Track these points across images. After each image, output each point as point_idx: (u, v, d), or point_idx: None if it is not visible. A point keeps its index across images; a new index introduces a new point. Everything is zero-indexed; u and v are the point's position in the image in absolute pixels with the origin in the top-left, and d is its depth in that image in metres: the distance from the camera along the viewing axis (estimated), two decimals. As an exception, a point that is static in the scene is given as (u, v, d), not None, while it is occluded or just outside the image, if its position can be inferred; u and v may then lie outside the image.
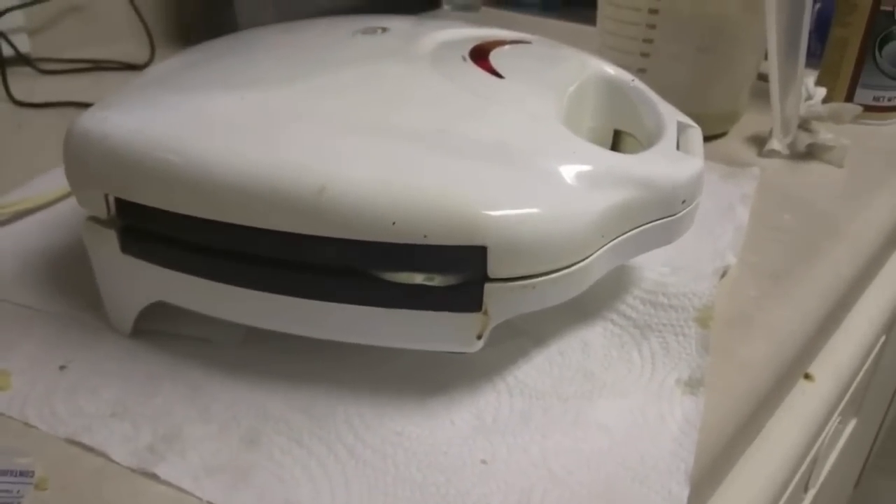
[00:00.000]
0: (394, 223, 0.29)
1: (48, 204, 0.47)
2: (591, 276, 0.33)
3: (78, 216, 0.35)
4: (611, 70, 0.42)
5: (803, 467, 0.50)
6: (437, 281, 0.31)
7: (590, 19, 0.64)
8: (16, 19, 0.68)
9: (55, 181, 0.48)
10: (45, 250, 0.42)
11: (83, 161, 0.33)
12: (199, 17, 0.80)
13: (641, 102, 0.41)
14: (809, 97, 0.60)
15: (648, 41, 0.56)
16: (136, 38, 0.75)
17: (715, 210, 0.49)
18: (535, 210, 0.30)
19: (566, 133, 0.34)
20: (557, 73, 0.39)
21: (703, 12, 0.54)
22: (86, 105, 0.61)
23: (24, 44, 0.69)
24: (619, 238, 0.33)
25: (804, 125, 0.59)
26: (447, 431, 0.32)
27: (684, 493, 0.30)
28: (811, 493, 0.60)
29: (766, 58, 0.55)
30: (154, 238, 0.33)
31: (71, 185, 0.34)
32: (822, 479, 0.63)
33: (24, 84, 0.65)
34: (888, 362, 0.76)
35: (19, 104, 0.63)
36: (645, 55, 0.57)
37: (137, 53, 0.73)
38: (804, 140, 0.58)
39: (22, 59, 0.69)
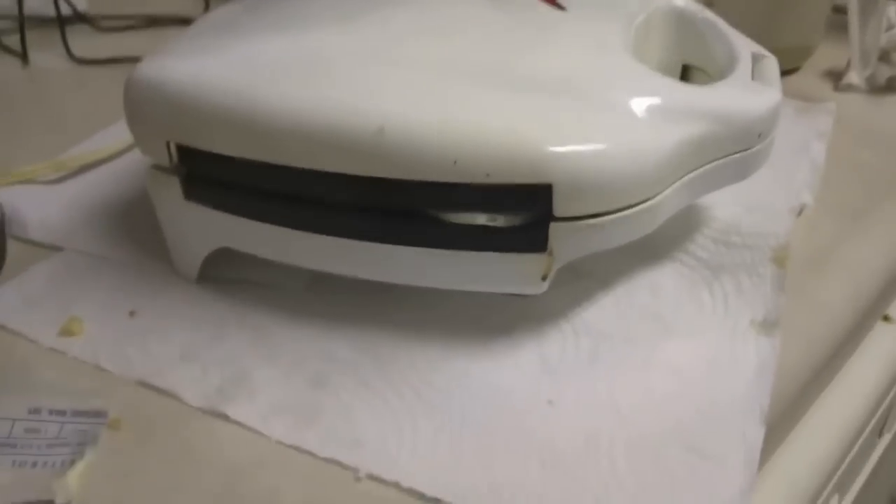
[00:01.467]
0: (455, 162, 0.28)
1: (112, 157, 0.47)
2: (661, 214, 0.31)
3: (142, 167, 0.35)
4: (679, 1, 0.40)
5: (879, 412, 0.48)
6: (501, 221, 0.30)
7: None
8: (74, -23, 0.68)
9: (118, 134, 0.48)
10: (112, 201, 0.43)
11: (143, 109, 0.33)
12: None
13: (712, 34, 0.39)
14: (891, 27, 0.57)
15: (717, -28, 0.53)
16: (191, -8, 0.75)
17: (789, 147, 0.46)
18: (602, 146, 0.29)
19: (634, 65, 0.32)
20: (623, 4, 0.38)
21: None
22: (144, 59, 0.61)
23: (81, 2, 0.70)
24: (691, 174, 0.32)
25: (884, 57, 0.56)
26: (513, 373, 0.31)
27: (760, 435, 0.29)
28: (886, 437, 0.58)
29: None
30: (216, 184, 0.33)
31: (133, 133, 0.34)
32: (898, 426, 0.61)
33: (83, 42, 0.66)
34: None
35: (79, 61, 0.63)
36: (713, -13, 0.54)
37: (193, 7, 0.73)
38: (884, 73, 0.55)
39: (79, 17, 0.69)
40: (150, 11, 0.72)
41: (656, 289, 0.36)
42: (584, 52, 0.33)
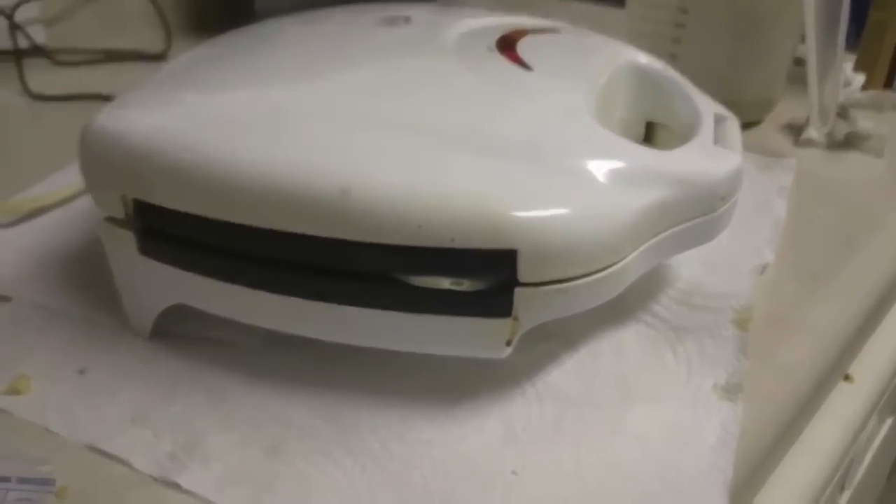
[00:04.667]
0: (420, 226, 0.28)
1: (65, 201, 0.46)
2: (625, 279, 0.31)
3: (96, 213, 0.34)
4: (643, 59, 0.41)
5: (842, 468, 0.48)
6: (466, 285, 0.29)
7: (618, 1, 0.62)
8: (31, 10, 0.67)
9: (72, 177, 0.47)
10: (63, 249, 0.42)
11: (100, 161, 0.32)
12: (215, 4, 0.78)
13: (675, 93, 0.39)
14: (848, 84, 0.58)
15: (680, 26, 0.54)
16: (151, 27, 0.74)
17: (752, 204, 0.47)
18: (566, 211, 0.29)
19: (598, 129, 0.32)
20: (587, 64, 0.38)
21: (738, -2, 0.52)
22: (102, 97, 0.60)
23: (39, 35, 0.68)
24: (655, 238, 0.32)
25: (842, 113, 0.57)
26: (476, 440, 0.31)
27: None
28: (847, 493, 0.59)
29: (803, 41, 0.53)
30: (173, 240, 0.32)
31: (87, 184, 0.33)
32: (858, 478, 0.62)
33: (39, 76, 0.65)
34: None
35: (35, 97, 0.62)
36: (676, 41, 0.55)
37: (153, 43, 0.72)
38: (842, 129, 0.56)
39: (38, 51, 0.68)
40: (110, 46, 0.71)
41: (620, 350, 0.35)
42: (550, 115, 0.32)
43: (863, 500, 0.71)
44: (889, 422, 0.70)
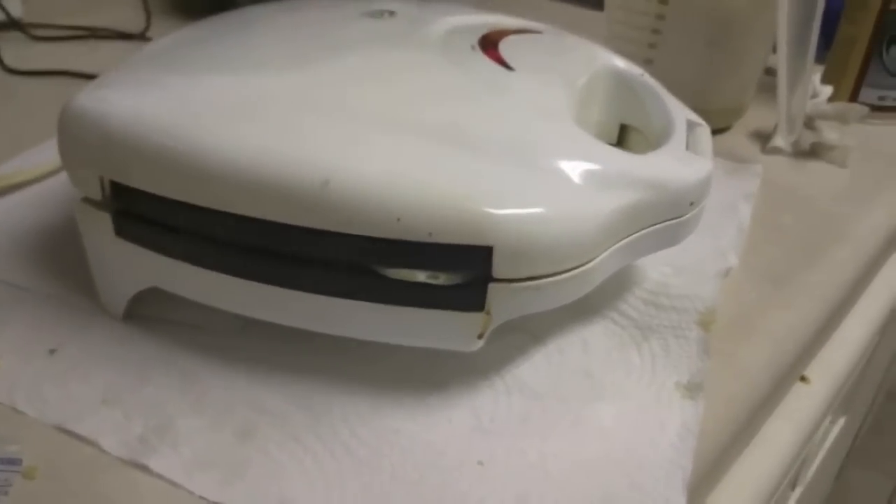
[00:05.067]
0: (398, 219, 0.28)
1: (40, 178, 0.46)
2: (596, 277, 0.32)
3: (71, 193, 0.34)
4: (620, 63, 0.41)
5: (795, 466, 0.50)
6: (441, 279, 0.30)
7: (598, 4, 0.63)
8: (8, -18, 0.66)
9: (48, 154, 0.47)
10: (37, 227, 0.42)
11: (78, 141, 0.32)
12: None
13: (650, 98, 0.40)
14: (815, 95, 0.59)
15: (657, 32, 0.55)
16: (131, 5, 0.74)
17: (718, 207, 0.48)
18: (542, 210, 0.29)
19: (576, 131, 0.33)
20: (567, 66, 0.39)
21: (713, 6, 0.54)
22: (80, 75, 0.60)
23: (16, 8, 0.67)
24: (626, 239, 0.33)
25: (809, 123, 0.58)
26: (444, 430, 0.31)
27: (682, 501, 0.29)
28: (798, 490, 0.61)
29: (774, 51, 0.54)
30: (150, 223, 0.32)
31: (64, 164, 0.33)
32: (809, 476, 0.64)
33: (15, 51, 0.64)
34: (879, 362, 0.76)
35: (11, 72, 0.61)
36: (652, 46, 0.56)
37: (133, 22, 0.72)
38: (808, 138, 0.57)
39: (14, 25, 0.67)
40: (88, 23, 0.70)
41: (587, 346, 0.36)
42: (530, 115, 0.33)
43: (812, 498, 0.73)
44: (841, 422, 0.72)
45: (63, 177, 0.46)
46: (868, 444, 1.21)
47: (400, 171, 0.29)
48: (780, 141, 0.57)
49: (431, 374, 0.34)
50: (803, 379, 0.46)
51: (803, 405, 0.46)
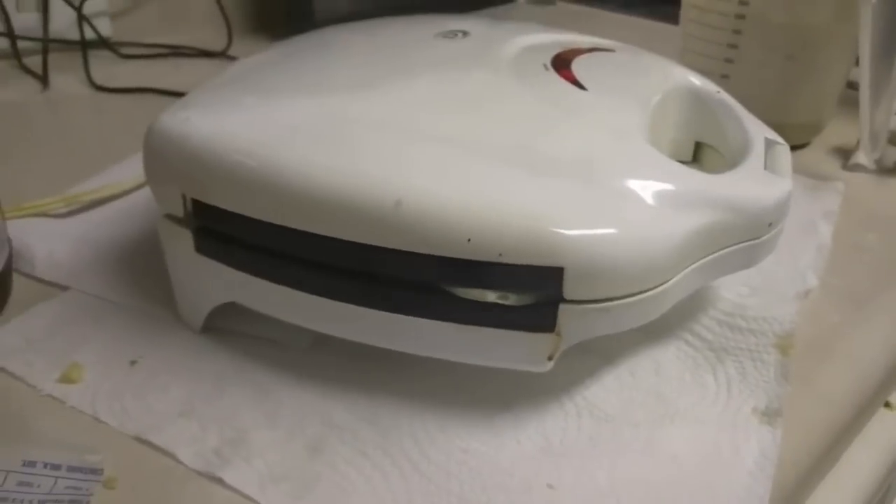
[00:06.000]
0: (469, 240, 0.28)
1: (125, 193, 0.48)
2: (668, 300, 0.31)
3: (154, 207, 0.35)
4: (696, 80, 0.41)
5: (879, 495, 0.48)
6: (511, 300, 0.30)
7: (671, 17, 0.62)
8: (98, 3, 0.69)
9: (132, 169, 0.48)
10: (121, 240, 0.43)
11: (162, 160, 0.33)
12: (276, 5, 0.80)
13: (727, 116, 0.39)
14: (901, 110, 0.57)
15: (733, 47, 0.54)
16: (214, 24, 0.76)
17: (797, 226, 0.47)
18: (614, 231, 0.29)
19: (650, 151, 0.33)
20: (641, 84, 0.38)
21: (792, 20, 0.52)
22: (164, 92, 0.62)
23: (105, 27, 0.71)
24: (701, 261, 0.32)
25: (893, 140, 0.56)
26: (513, 451, 0.31)
27: (758, 531, 0.29)
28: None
29: (856, 65, 0.52)
30: (229, 240, 0.33)
31: (149, 182, 0.35)
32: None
33: (104, 68, 0.67)
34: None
35: (100, 88, 0.64)
36: (729, 61, 0.55)
37: (215, 40, 0.74)
38: (892, 156, 0.55)
39: (103, 43, 0.70)
40: (173, 41, 0.73)
41: (660, 368, 0.36)
42: (602, 135, 0.33)
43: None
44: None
45: (147, 192, 0.47)
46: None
47: (471, 191, 0.29)
48: (862, 158, 0.55)
49: (500, 395, 0.34)
50: (888, 405, 0.44)
51: (887, 432, 0.44)
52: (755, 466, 0.31)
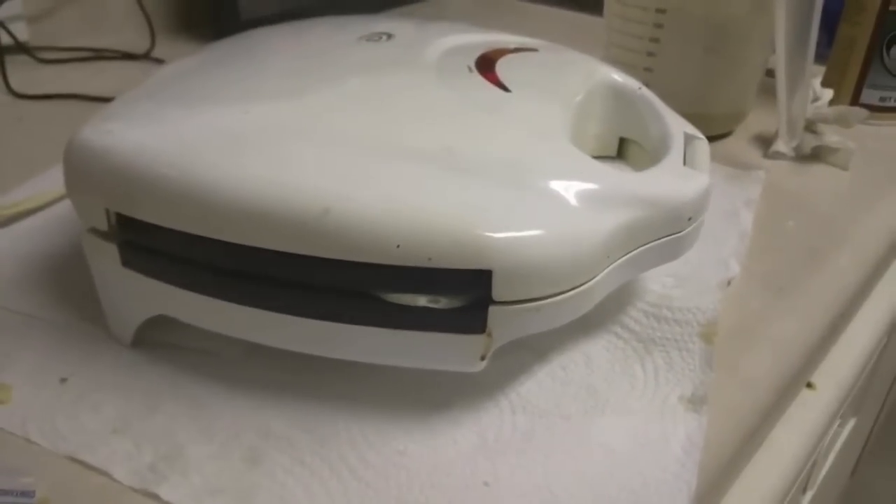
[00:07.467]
0: (398, 246, 0.29)
1: (48, 204, 0.46)
2: (595, 296, 0.32)
3: (78, 222, 0.34)
4: (618, 77, 0.42)
5: (804, 472, 0.50)
6: (442, 303, 0.30)
7: (599, 9, 0.63)
8: (13, 7, 0.67)
9: (55, 180, 0.47)
10: (45, 254, 0.42)
11: (84, 175, 0.33)
12: (200, 5, 0.78)
13: (648, 112, 0.40)
14: (816, 98, 0.59)
15: (655, 41, 0.55)
16: (135, 25, 0.74)
17: (720, 215, 0.48)
18: (540, 233, 0.30)
19: (573, 151, 0.33)
20: (564, 83, 0.39)
21: (711, 13, 0.54)
22: (87, 98, 0.60)
23: (22, 32, 0.68)
24: (625, 257, 0.33)
25: (810, 127, 0.58)
26: (450, 451, 0.32)
27: (687, 516, 0.30)
28: (809, 494, 0.61)
29: (774, 52, 0.54)
30: (155, 253, 0.33)
31: (70, 196, 0.34)
32: (820, 479, 0.63)
33: (22, 74, 0.65)
34: (888, 362, 0.76)
35: (18, 96, 0.62)
36: (651, 55, 0.56)
37: (138, 42, 0.73)
38: (810, 142, 0.57)
39: (20, 48, 0.68)
40: (94, 44, 0.71)
41: (590, 361, 0.37)
42: (526, 137, 0.33)
43: (825, 498, 0.73)
44: (852, 423, 0.72)
45: (69, 204, 0.46)
46: (884, 438, 1.21)
47: (398, 198, 0.29)
48: (781, 146, 0.57)
49: (436, 395, 0.34)
50: (809, 386, 0.46)
51: (810, 411, 0.46)
52: (683, 453, 0.32)
